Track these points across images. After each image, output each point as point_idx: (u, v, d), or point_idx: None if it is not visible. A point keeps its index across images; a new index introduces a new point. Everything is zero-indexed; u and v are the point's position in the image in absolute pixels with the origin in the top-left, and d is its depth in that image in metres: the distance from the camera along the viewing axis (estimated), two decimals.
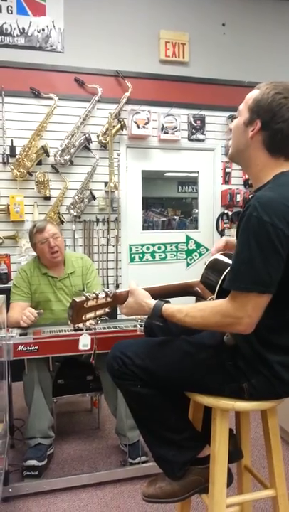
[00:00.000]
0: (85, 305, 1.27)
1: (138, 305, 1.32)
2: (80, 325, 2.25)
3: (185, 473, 1.38)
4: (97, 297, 1.28)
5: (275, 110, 1.19)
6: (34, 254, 3.53)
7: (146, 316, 1.36)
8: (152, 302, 1.30)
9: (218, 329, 1.23)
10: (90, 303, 1.27)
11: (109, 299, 1.31)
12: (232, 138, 1.33)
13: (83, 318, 1.29)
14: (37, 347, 2.09)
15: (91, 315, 1.29)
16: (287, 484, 1.42)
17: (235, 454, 1.47)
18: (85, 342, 2.11)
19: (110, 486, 2.18)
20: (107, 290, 1.32)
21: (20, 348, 2.07)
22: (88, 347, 2.08)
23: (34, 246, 2.56)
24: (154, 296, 1.35)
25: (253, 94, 1.26)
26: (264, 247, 1.10)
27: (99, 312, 1.31)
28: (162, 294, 1.37)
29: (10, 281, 3.52)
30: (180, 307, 1.27)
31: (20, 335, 2.15)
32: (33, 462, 2.15)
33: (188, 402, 1.48)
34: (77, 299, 1.26)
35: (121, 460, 2.33)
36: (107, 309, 1.32)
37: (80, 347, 2.11)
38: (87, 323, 2.26)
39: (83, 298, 1.27)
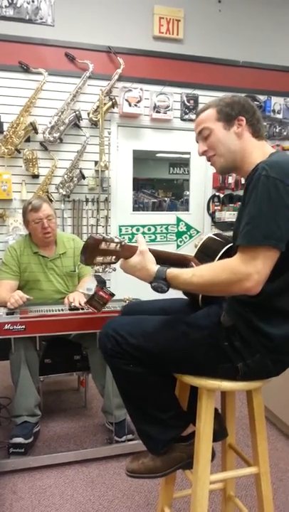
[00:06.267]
0: (100, 246, 1.24)
1: (142, 268, 1.28)
2: (77, 304, 2.25)
3: (168, 450, 1.39)
4: (112, 241, 1.26)
5: (246, 105, 1.35)
6: (21, 233, 3.56)
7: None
8: (156, 268, 1.28)
9: (226, 289, 1.18)
10: (104, 245, 1.25)
11: (118, 248, 1.28)
12: (218, 149, 1.35)
13: (94, 261, 1.26)
14: (24, 326, 2.07)
15: (100, 259, 1.27)
16: (270, 462, 1.45)
17: (220, 432, 1.48)
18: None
19: (96, 463, 2.20)
20: (119, 237, 1.30)
21: (6, 327, 2.05)
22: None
23: (27, 223, 2.51)
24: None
25: (212, 109, 1.36)
26: (274, 202, 1.12)
27: (107, 260, 1.28)
28: (161, 258, 1.35)
29: None
30: (185, 269, 1.27)
31: (7, 314, 2.13)
32: (19, 440, 2.16)
33: (175, 380, 1.49)
34: (96, 237, 1.24)
35: (107, 438, 2.36)
36: (113, 259, 1.29)
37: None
38: (77, 303, 2.25)
39: (100, 237, 1.24)
